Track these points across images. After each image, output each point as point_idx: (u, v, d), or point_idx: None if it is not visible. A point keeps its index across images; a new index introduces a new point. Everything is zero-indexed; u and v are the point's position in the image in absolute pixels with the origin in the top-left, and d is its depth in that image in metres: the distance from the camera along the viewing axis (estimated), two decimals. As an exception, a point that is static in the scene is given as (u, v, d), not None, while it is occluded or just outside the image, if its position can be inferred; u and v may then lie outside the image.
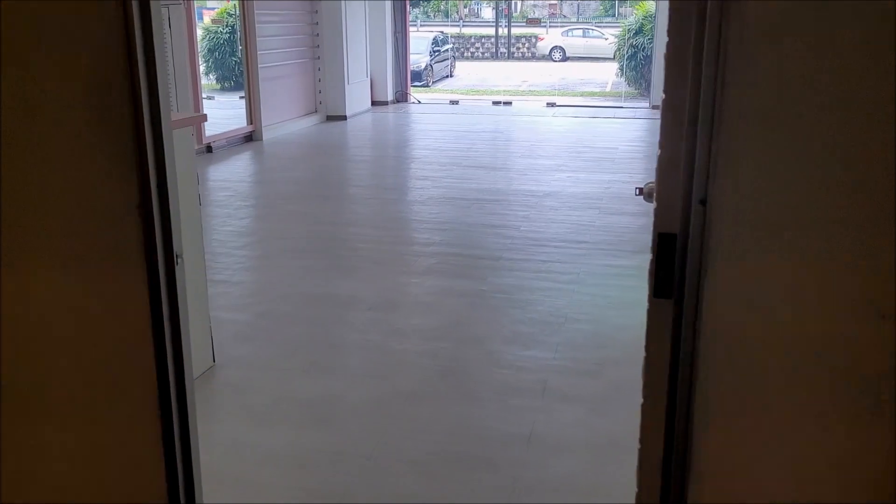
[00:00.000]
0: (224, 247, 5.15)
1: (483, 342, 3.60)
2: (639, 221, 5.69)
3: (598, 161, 8.02)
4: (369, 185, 7.17)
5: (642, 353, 1.41)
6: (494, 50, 25.31)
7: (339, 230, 5.52)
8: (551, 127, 10.64)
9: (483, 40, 26.16)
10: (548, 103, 12.96)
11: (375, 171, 7.89)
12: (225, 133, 8.74)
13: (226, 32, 13.30)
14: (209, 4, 13.45)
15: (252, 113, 9.25)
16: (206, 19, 13.46)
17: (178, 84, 7.92)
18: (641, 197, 2.03)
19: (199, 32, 10.92)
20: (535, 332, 3.70)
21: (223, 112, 9.84)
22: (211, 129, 8.37)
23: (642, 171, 7.63)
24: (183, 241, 2.97)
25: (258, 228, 5.59)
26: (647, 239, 4.50)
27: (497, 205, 6.21)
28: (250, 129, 9.25)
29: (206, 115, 3.30)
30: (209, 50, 12.93)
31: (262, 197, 6.66)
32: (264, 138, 9.35)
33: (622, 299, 4.14)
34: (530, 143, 9.21)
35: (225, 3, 13.16)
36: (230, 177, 7.40)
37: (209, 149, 8.42)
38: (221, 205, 6.32)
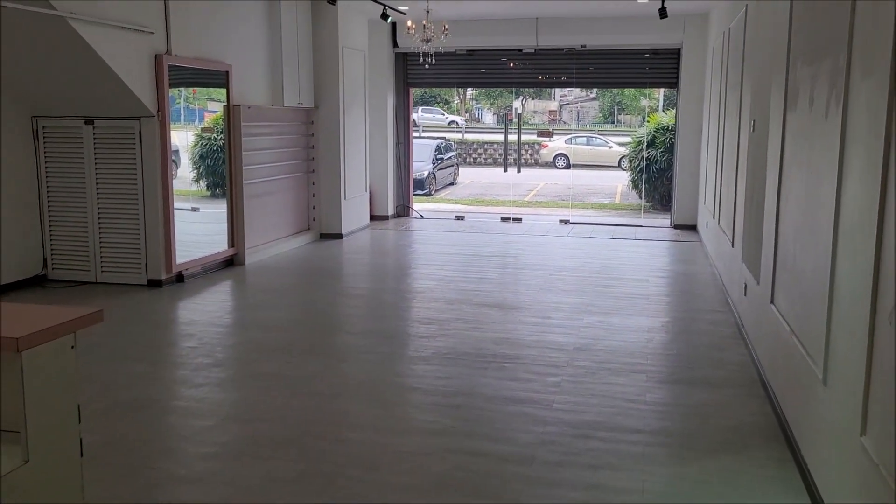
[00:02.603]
0: (167, 436, 3.95)
1: None
2: (699, 396, 4.51)
3: (629, 299, 6.92)
4: (363, 332, 6.02)
5: None
6: (499, 156, 24.75)
7: (321, 407, 4.33)
8: (569, 250, 9.60)
9: (486, 146, 25.69)
10: (561, 220, 12.00)
11: (371, 311, 6.75)
12: (200, 259, 7.66)
13: (219, 139, 12.56)
14: (210, 107, 12.77)
15: (234, 235, 8.22)
16: (207, 121, 12.72)
17: (148, 199, 6.94)
18: None
19: (192, 138, 10.00)
20: None
21: (206, 227, 8.78)
22: (183, 255, 7.31)
23: (683, 314, 6.51)
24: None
25: (217, 404, 4.40)
26: (719, 428, 3.16)
27: (519, 365, 5.05)
28: (231, 252, 8.19)
29: (99, 311, 2.17)
30: (201, 157, 12.14)
31: (231, 349, 5.50)
32: (247, 262, 8.28)
33: (714, 549, 2.91)
34: (548, 272, 8.13)
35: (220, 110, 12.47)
36: (198, 318, 6.26)
37: (180, 278, 7.32)
38: (179, 363, 5.15)
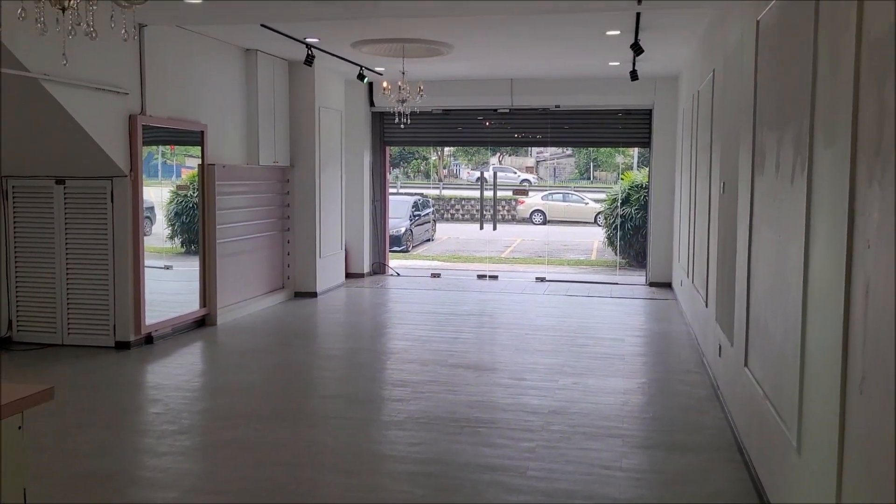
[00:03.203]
0: (129, 509, 3.80)
1: None
2: (676, 462, 4.44)
3: (605, 359, 6.88)
4: (336, 395, 5.90)
5: None
6: (476, 213, 24.91)
7: (289, 477, 4.20)
8: (544, 309, 9.58)
9: (463, 202, 25.87)
10: (537, 277, 12.01)
11: (345, 373, 6.64)
12: (170, 319, 7.53)
13: (195, 196, 12.50)
14: (188, 162, 12.75)
15: (206, 295, 8.11)
16: (183, 178, 12.66)
17: (118, 260, 6.83)
18: None
19: (167, 195, 9.93)
20: None
21: (178, 285, 8.68)
22: (153, 315, 7.19)
23: (659, 375, 6.47)
24: None
25: (181, 475, 4.25)
26: (696, 496, 2.85)
27: (493, 429, 4.96)
28: (203, 312, 8.07)
29: (50, 388, 2.10)
30: (176, 213, 12.08)
31: (198, 415, 5.35)
32: (219, 323, 8.16)
33: None
34: (523, 332, 8.08)
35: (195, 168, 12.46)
36: (166, 381, 6.11)
37: (149, 339, 7.18)
38: (143, 430, 5.00)
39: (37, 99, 5.99)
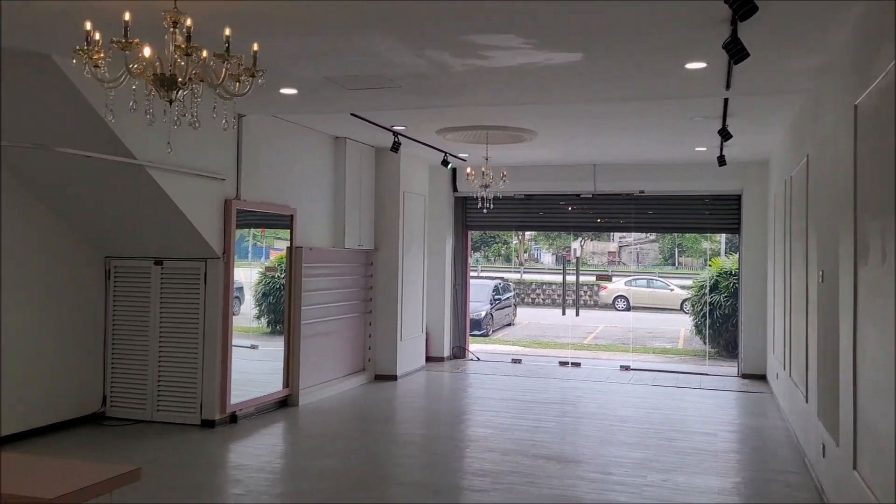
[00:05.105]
0: None
1: None
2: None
3: (695, 455, 6.52)
4: (413, 484, 5.76)
5: None
6: (557, 297, 24.68)
7: (367, 568, 4.08)
8: (630, 398, 9.24)
9: (544, 286, 25.66)
10: (622, 366, 11.66)
11: (424, 461, 6.51)
12: (254, 399, 7.62)
13: (282, 277, 12.83)
14: (277, 245, 13.16)
15: (289, 375, 8.19)
16: (271, 259, 13.02)
17: (208, 339, 7.00)
18: None
19: (256, 276, 10.15)
20: None
21: (262, 365, 8.80)
22: (237, 395, 7.29)
23: (756, 475, 6.07)
24: None
25: (260, 560, 4.19)
26: None
27: (578, 527, 4.71)
28: (286, 393, 8.14)
29: (137, 469, 2.10)
30: (263, 294, 12.38)
31: (279, 498, 5.30)
32: (301, 403, 8.20)
33: None
34: (608, 423, 7.79)
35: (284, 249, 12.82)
36: (248, 462, 6.12)
37: (233, 418, 7.26)
38: (224, 512, 4.99)
39: (141, 184, 6.33)
